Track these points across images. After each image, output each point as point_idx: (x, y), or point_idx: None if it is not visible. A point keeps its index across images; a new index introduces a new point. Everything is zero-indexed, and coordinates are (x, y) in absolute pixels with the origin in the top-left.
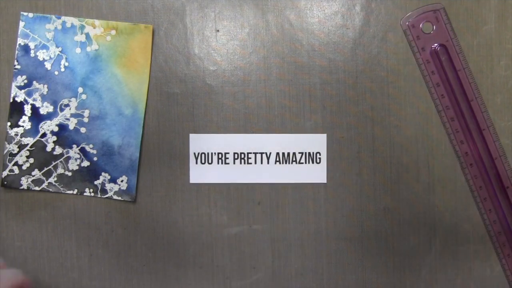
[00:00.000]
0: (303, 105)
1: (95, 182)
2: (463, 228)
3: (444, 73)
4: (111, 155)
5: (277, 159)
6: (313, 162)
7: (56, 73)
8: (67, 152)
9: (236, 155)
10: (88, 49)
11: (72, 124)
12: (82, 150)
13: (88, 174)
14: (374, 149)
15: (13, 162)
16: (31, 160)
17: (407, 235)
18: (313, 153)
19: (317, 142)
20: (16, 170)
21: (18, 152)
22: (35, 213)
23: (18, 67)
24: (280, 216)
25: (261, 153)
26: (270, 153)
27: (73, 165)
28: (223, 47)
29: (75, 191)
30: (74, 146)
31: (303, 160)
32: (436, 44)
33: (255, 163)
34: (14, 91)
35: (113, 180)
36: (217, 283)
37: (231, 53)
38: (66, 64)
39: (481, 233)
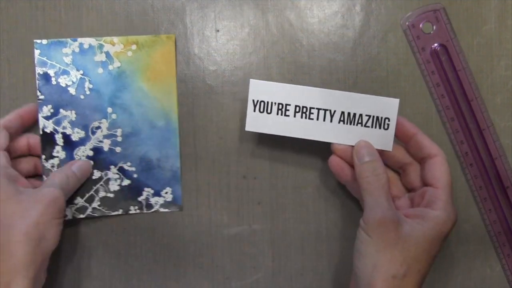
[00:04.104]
0: None
1: (139, 199)
2: (463, 228)
3: (444, 73)
4: (151, 169)
5: (341, 119)
6: (380, 128)
7: (82, 97)
8: (106, 174)
9: (297, 108)
10: (110, 67)
11: (106, 145)
12: (121, 170)
13: (131, 192)
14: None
15: None
16: None
17: None
18: (381, 117)
19: (388, 107)
20: None
21: None
22: None
23: (41, 97)
24: (280, 216)
25: (325, 110)
26: (335, 111)
27: (113, 186)
28: (223, 47)
29: (120, 211)
30: (112, 167)
31: (369, 124)
32: (436, 44)
33: (317, 119)
34: (42, 122)
35: (157, 194)
36: (217, 283)
37: (231, 53)
38: (90, 86)
39: (481, 233)
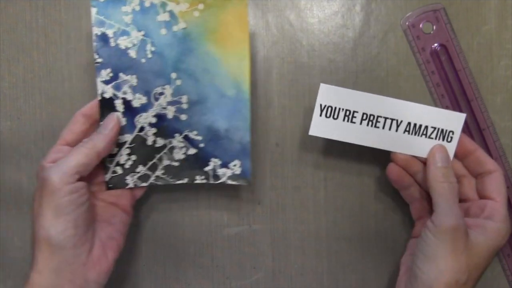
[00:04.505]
0: (303, 105)
1: (205, 169)
2: None
3: (444, 73)
4: (219, 139)
5: (407, 129)
6: (443, 140)
7: (143, 60)
8: (170, 142)
9: (365, 115)
10: (175, 28)
11: (170, 113)
12: (186, 138)
13: (197, 162)
14: (374, 149)
15: (114, 163)
16: (133, 157)
17: (407, 235)
18: (446, 130)
19: (453, 121)
20: (119, 170)
21: (118, 151)
22: None
23: (99, 60)
24: (280, 216)
25: (392, 119)
26: (402, 121)
27: (178, 155)
28: None
29: (186, 180)
30: (177, 135)
31: (433, 135)
32: (436, 44)
33: (383, 128)
34: (100, 87)
35: (224, 165)
36: (217, 283)
37: None
38: (153, 49)
39: None
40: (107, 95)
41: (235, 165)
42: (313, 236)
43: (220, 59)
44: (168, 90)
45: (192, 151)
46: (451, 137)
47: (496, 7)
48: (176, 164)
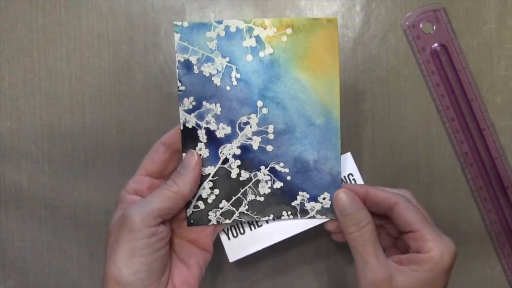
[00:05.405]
0: None
1: (293, 204)
2: (463, 228)
3: (444, 73)
4: (307, 171)
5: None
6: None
7: (228, 88)
8: (255, 176)
9: (252, 225)
10: (261, 54)
11: (255, 143)
12: (272, 171)
13: (283, 196)
14: (374, 149)
15: (196, 197)
16: (216, 192)
17: None
18: (345, 176)
19: (345, 163)
20: (201, 205)
21: (200, 184)
22: (35, 213)
23: (182, 88)
24: None
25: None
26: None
27: (264, 189)
28: None
29: (271, 217)
30: (262, 167)
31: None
32: (436, 44)
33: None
34: (183, 116)
35: (313, 199)
36: (218, 283)
37: None
38: (238, 76)
39: (481, 233)
40: (189, 125)
41: (324, 198)
42: (313, 236)
43: (310, 85)
44: (254, 119)
45: (278, 184)
46: (354, 179)
47: (496, 7)
48: (261, 199)
